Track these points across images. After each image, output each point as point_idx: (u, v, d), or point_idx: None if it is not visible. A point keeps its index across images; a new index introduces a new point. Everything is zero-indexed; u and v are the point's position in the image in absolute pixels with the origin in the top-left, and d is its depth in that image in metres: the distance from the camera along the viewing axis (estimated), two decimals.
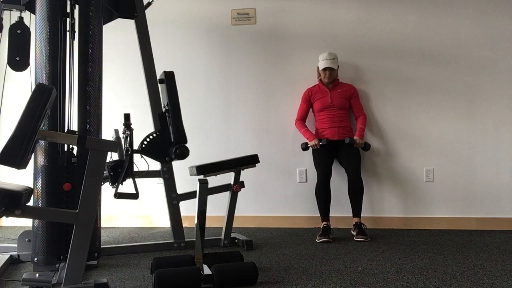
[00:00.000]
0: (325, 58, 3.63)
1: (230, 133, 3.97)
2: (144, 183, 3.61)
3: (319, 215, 3.43)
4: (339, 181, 3.77)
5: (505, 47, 3.69)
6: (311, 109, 3.77)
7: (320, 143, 3.51)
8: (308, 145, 3.58)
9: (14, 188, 1.82)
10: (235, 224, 3.19)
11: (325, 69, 3.63)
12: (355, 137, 3.52)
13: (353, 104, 3.70)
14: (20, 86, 3.98)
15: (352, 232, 3.27)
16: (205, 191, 2.50)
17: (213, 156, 3.84)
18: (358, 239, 3.18)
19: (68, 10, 2.71)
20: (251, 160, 2.94)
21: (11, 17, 2.78)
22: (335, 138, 3.54)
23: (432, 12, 3.79)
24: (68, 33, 2.73)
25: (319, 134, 3.64)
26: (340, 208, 3.76)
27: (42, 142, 2.50)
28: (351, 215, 3.42)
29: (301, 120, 3.74)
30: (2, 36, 2.75)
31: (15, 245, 2.80)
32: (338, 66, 3.71)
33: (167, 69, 2.77)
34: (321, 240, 3.21)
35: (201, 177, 2.62)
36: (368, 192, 3.68)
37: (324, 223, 3.35)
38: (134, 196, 2.57)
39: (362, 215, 3.39)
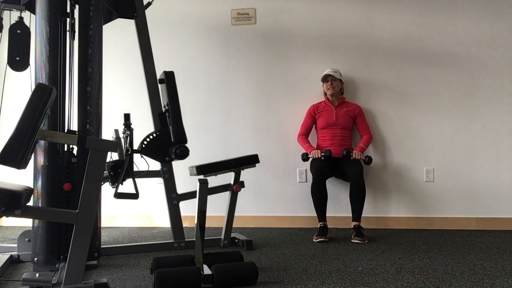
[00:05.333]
0: (327, 70, 3.66)
1: (230, 133, 3.97)
2: (144, 183, 3.61)
3: None
4: (338, 181, 3.77)
5: (505, 47, 3.69)
6: (314, 126, 3.77)
7: (323, 154, 3.45)
8: (309, 156, 3.52)
9: (14, 188, 1.82)
10: (235, 224, 3.20)
11: (326, 78, 3.63)
12: (353, 151, 3.48)
13: (358, 123, 3.69)
14: (20, 86, 3.98)
15: (352, 236, 3.26)
16: (205, 191, 2.50)
17: (213, 156, 3.83)
18: (355, 241, 3.17)
19: (68, 10, 2.71)
20: (251, 160, 2.94)
21: (11, 17, 2.78)
22: (335, 155, 3.48)
23: (432, 12, 3.79)
24: (68, 33, 2.73)
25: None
26: (339, 208, 3.76)
27: (42, 142, 2.50)
28: (350, 215, 3.41)
29: (304, 135, 3.72)
30: (2, 36, 2.75)
31: (15, 245, 2.80)
32: (342, 82, 3.70)
33: (167, 69, 2.77)
34: (318, 240, 3.21)
35: (201, 177, 2.62)
36: (369, 192, 3.67)
37: (321, 223, 3.35)
38: (134, 196, 2.57)
39: (362, 215, 3.37)
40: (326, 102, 3.72)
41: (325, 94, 3.75)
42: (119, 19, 3.04)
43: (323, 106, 3.72)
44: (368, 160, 3.47)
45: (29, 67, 2.73)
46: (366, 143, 3.63)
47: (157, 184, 3.72)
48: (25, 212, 1.86)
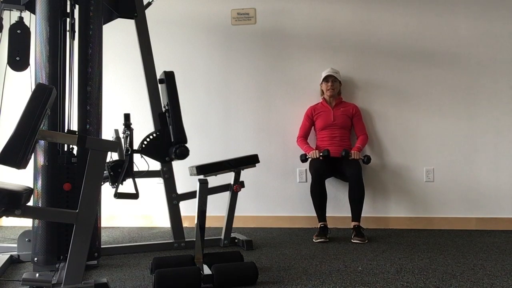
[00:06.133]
0: (328, 71, 3.68)
1: (230, 133, 3.97)
2: (144, 183, 3.61)
3: None
4: (337, 181, 3.77)
5: (505, 47, 3.69)
6: (312, 128, 3.77)
7: (321, 154, 3.45)
8: (307, 156, 3.52)
9: (14, 188, 1.82)
10: (235, 224, 3.19)
11: (327, 78, 3.64)
12: (352, 151, 3.48)
13: (355, 123, 3.69)
14: (20, 86, 3.98)
15: (352, 236, 3.26)
16: (205, 191, 2.50)
17: (213, 156, 3.84)
18: (355, 241, 3.17)
19: (68, 10, 2.71)
20: (251, 160, 2.94)
21: (11, 17, 2.78)
22: (334, 155, 3.48)
23: (432, 12, 3.79)
24: (68, 33, 2.73)
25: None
26: (339, 208, 3.76)
27: (42, 142, 2.50)
28: (350, 215, 3.40)
29: (303, 137, 3.72)
30: (2, 36, 2.75)
31: (15, 245, 2.80)
32: (340, 84, 3.72)
33: (167, 69, 2.77)
34: (318, 240, 3.21)
35: (201, 177, 2.62)
36: (369, 192, 3.68)
37: (321, 223, 3.35)
38: (134, 196, 2.57)
39: (362, 215, 3.37)
40: (323, 103, 3.72)
41: (322, 94, 3.76)
42: (119, 19, 3.04)
43: (321, 107, 3.72)
44: (367, 160, 3.47)
45: (29, 67, 2.73)
46: (363, 143, 3.64)
47: (157, 184, 3.73)
48: (25, 212, 1.86)
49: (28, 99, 1.88)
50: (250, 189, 3.80)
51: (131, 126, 2.57)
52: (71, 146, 2.62)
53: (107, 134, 3.02)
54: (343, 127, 3.63)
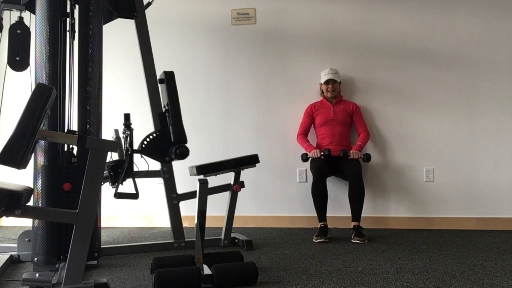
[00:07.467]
0: (327, 72, 3.68)
1: (230, 133, 3.97)
2: (144, 183, 3.61)
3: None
4: (338, 180, 3.77)
5: (505, 47, 3.69)
6: (312, 125, 3.77)
7: (322, 153, 3.45)
8: (308, 156, 3.51)
9: (14, 188, 1.82)
10: (235, 224, 3.19)
11: (327, 82, 3.65)
12: (351, 151, 3.48)
13: (355, 121, 3.70)
14: (20, 86, 3.98)
15: (352, 236, 3.26)
16: (205, 191, 2.50)
17: (213, 156, 3.84)
18: (355, 241, 3.17)
19: (68, 10, 2.72)
20: (251, 160, 2.94)
21: (11, 17, 2.78)
22: (335, 154, 3.49)
23: (432, 12, 3.79)
24: (68, 33, 2.74)
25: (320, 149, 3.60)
26: (339, 208, 3.76)
27: (42, 142, 2.50)
28: (350, 215, 3.40)
29: (303, 134, 3.72)
30: (2, 36, 2.75)
31: (15, 245, 2.80)
32: (340, 82, 3.72)
33: (167, 69, 2.77)
34: (318, 240, 3.21)
35: (201, 177, 2.62)
36: (369, 192, 3.68)
37: (321, 223, 3.35)
38: (134, 196, 2.57)
39: (362, 215, 3.37)
40: (324, 100, 3.73)
41: (322, 93, 3.76)
42: (119, 19, 3.04)
43: (321, 104, 3.72)
44: (367, 158, 3.46)
45: (29, 67, 2.73)
46: (364, 141, 3.63)
47: (157, 184, 3.73)
48: (25, 212, 1.86)
49: (28, 99, 1.88)
50: (250, 189, 3.80)
51: (131, 126, 2.57)
52: (71, 146, 2.62)
53: (107, 134, 3.02)
54: (343, 124, 3.63)
